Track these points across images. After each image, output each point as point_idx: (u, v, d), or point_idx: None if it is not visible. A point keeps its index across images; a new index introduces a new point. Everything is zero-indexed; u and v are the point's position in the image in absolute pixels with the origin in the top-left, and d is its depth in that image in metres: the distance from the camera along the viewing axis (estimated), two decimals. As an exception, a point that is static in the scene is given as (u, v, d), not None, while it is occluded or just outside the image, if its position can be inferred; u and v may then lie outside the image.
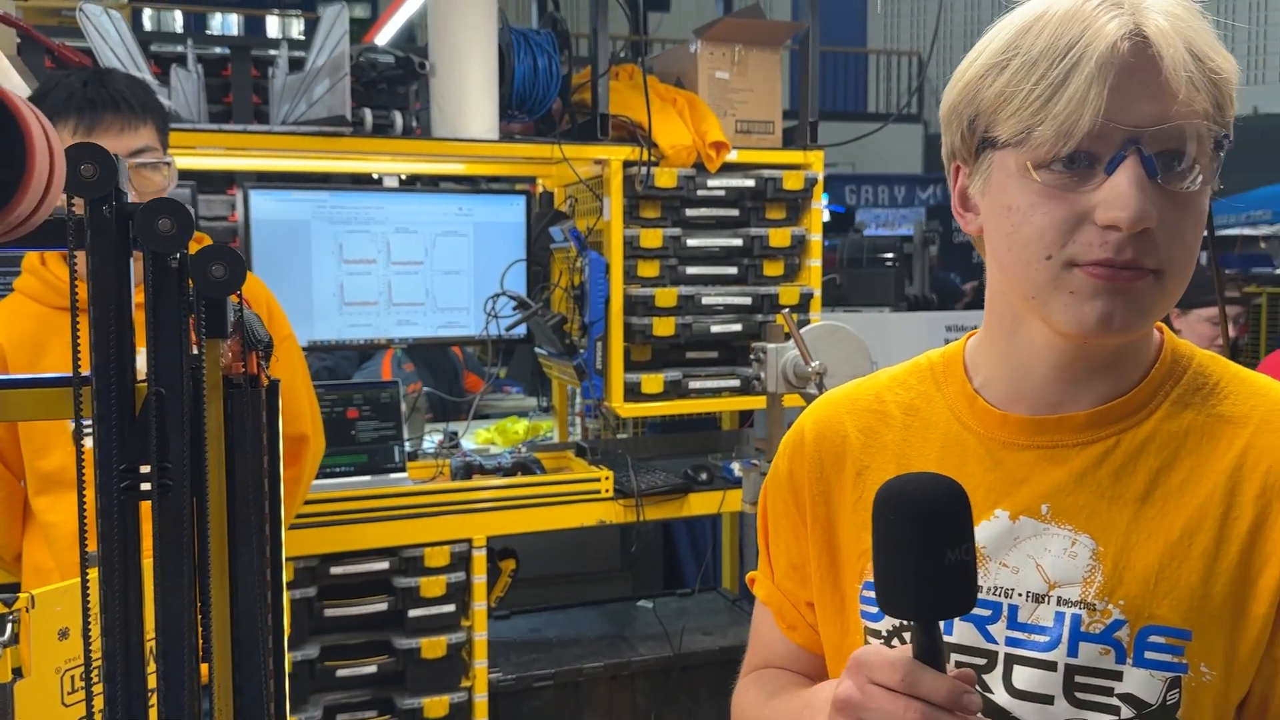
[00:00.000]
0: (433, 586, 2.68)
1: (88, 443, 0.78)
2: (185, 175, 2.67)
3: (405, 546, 2.67)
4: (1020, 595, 0.87)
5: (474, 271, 3.15)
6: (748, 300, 2.98)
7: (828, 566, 0.99)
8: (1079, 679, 0.84)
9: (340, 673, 2.65)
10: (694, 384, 2.96)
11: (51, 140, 0.72)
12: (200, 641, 0.88)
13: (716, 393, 2.99)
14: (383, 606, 2.68)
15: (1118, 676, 0.82)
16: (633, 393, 2.88)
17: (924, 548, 0.73)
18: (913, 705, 0.73)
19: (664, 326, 2.87)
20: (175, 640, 0.86)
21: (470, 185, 3.91)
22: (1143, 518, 0.84)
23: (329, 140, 2.64)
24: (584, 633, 3.16)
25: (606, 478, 2.84)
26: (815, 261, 3.07)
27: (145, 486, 0.82)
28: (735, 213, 2.99)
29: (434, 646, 2.68)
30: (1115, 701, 0.82)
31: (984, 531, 0.89)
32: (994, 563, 0.88)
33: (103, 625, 0.83)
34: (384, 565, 2.67)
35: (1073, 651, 0.84)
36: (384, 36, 5.05)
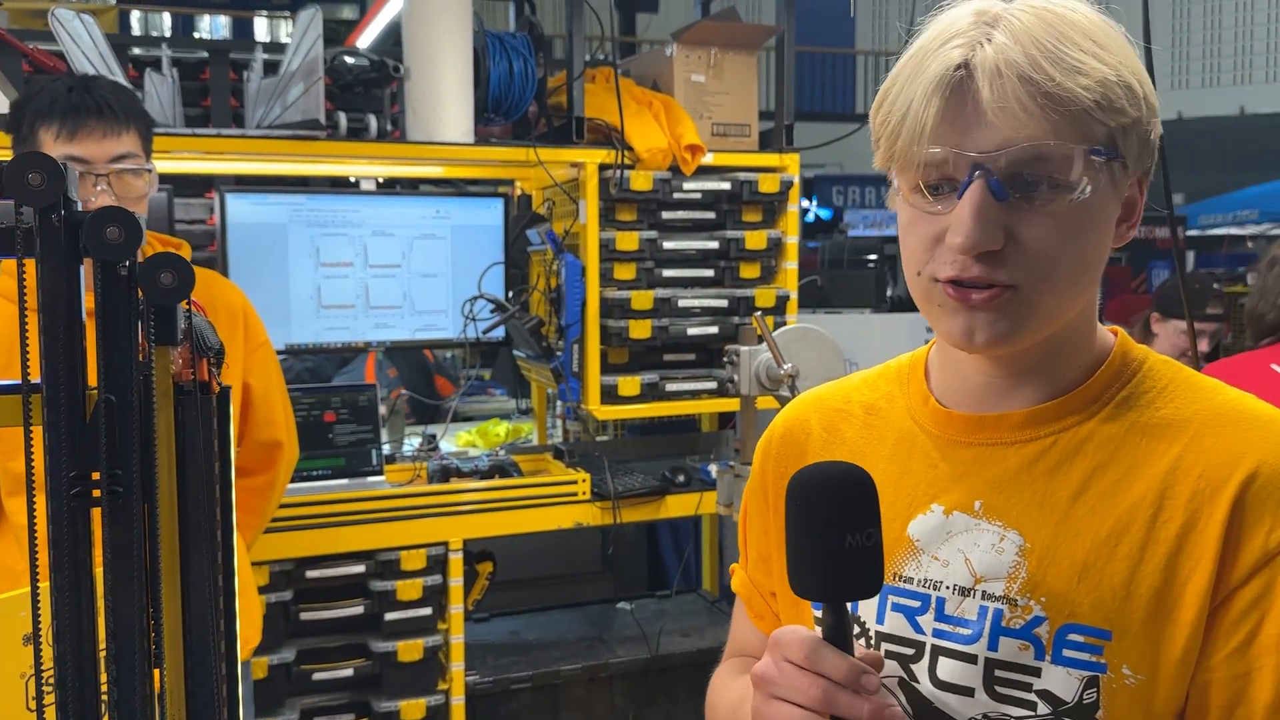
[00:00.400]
0: (409, 590, 2.68)
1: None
2: (161, 179, 2.66)
3: (381, 550, 2.67)
4: (948, 588, 0.88)
5: (452, 274, 3.15)
6: (724, 303, 2.99)
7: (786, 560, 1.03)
8: (999, 673, 0.85)
9: (316, 676, 2.65)
10: (671, 386, 2.96)
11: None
12: (152, 647, 0.88)
13: (694, 395, 3.00)
14: (359, 610, 2.69)
15: (1036, 673, 0.83)
16: (610, 395, 2.89)
17: (825, 532, 0.77)
18: (816, 681, 0.76)
19: (640, 329, 2.88)
20: (127, 646, 0.86)
21: (454, 189, 3.90)
22: (1072, 516, 0.85)
23: (304, 144, 2.64)
24: (563, 635, 3.17)
25: (583, 480, 2.85)
26: (792, 264, 3.08)
27: (97, 493, 0.83)
28: (712, 215, 3.00)
29: (410, 649, 2.68)
30: (1033, 697, 0.83)
31: (919, 525, 0.91)
32: (926, 555, 0.90)
33: (54, 632, 0.84)
34: (360, 569, 2.67)
35: (993, 646, 0.85)
36: (368, 37, 5.04)
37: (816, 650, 0.77)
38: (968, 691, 0.86)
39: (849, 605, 0.80)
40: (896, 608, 0.90)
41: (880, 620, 0.92)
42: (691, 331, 2.96)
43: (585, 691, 2.96)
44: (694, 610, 3.39)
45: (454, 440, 3.91)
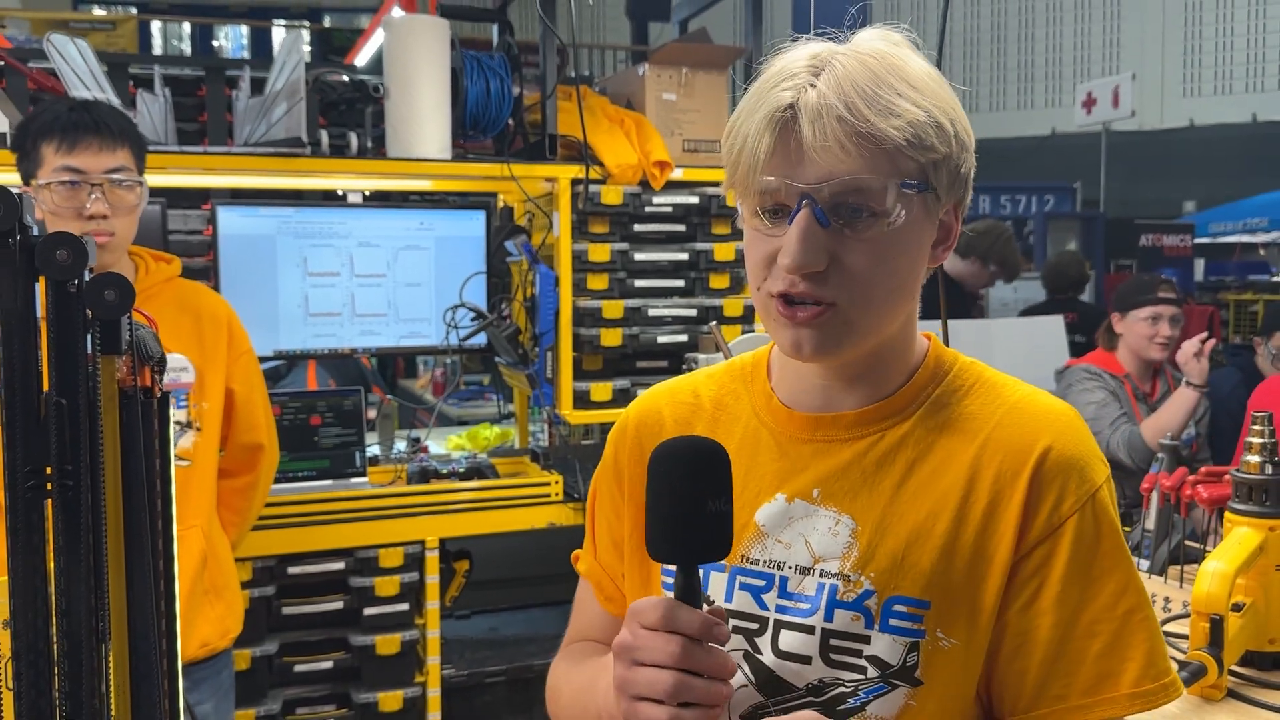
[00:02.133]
0: (387, 586, 2.80)
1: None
2: (153, 193, 2.79)
3: (360, 548, 2.79)
4: (790, 568, 0.99)
5: (435, 284, 3.27)
6: (694, 312, 3.10)
7: (639, 541, 1.09)
8: (833, 642, 0.96)
9: (298, 668, 2.77)
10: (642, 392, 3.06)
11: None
12: (99, 625, 1.00)
13: (665, 401, 3.09)
14: (339, 605, 2.81)
15: (866, 640, 0.94)
16: (582, 400, 3.00)
17: (689, 496, 0.83)
18: (673, 639, 0.83)
19: (611, 337, 2.99)
20: (76, 624, 0.97)
21: (456, 202, 4.00)
22: (897, 502, 0.96)
23: (287, 160, 2.76)
24: (540, 630, 3.28)
25: (556, 481, 2.96)
26: (761, 274, 3.17)
27: (50, 486, 0.95)
28: (682, 228, 3.11)
29: (388, 643, 2.80)
30: (863, 662, 0.94)
31: (765, 512, 1.02)
32: (771, 539, 1.01)
33: (10, 609, 0.95)
34: (340, 565, 2.79)
35: (829, 617, 0.96)
36: (366, 54, 5.17)
37: (671, 610, 0.84)
38: (805, 660, 0.97)
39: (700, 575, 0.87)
40: (744, 586, 1.01)
41: (729, 599, 1.02)
42: (662, 339, 3.06)
43: (558, 686, 3.07)
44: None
45: (446, 444, 4.03)
